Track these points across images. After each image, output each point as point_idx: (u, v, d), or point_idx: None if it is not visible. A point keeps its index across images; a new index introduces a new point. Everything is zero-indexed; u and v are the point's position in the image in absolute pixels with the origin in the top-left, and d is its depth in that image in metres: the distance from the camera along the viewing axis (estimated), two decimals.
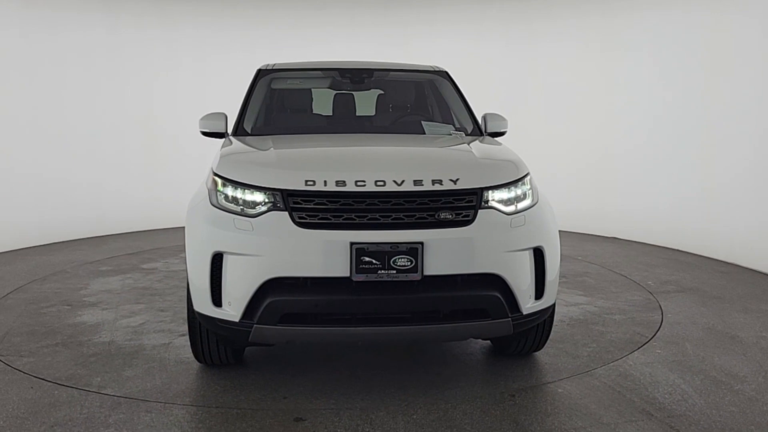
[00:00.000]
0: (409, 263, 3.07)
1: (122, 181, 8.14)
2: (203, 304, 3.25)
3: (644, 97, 7.59)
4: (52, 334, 4.47)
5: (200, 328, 3.52)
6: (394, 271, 3.06)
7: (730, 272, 6.21)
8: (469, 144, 3.95)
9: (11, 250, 7.07)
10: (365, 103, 4.89)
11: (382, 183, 3.18)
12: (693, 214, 7.06)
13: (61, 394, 3.45)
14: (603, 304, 5.06)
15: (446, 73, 4.88)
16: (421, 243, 3.08)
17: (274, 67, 4.87)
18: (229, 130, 4.33)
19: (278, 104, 4.79)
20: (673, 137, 7.30)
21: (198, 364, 3.84)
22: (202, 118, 4.35)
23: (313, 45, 8.48)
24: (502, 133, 4.52)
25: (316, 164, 3.52)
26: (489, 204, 3.28)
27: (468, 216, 3.21)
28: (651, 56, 7.48)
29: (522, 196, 3.42)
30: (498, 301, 3.19)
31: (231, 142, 3.99)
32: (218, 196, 3.32)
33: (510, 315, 3.23)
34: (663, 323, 4.66)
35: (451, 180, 3.24)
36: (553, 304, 3.55)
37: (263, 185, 3.22)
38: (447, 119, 4.62)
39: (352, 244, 3.05)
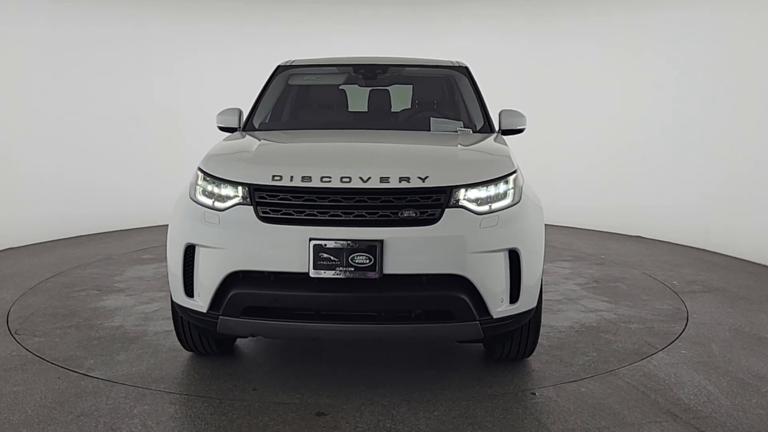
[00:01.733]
0: (367, 261, 3.04)
1: (145, 177, 8.22)
2: (177, 294, 3.35)
3: (669, 93, 7.48)
4: (71, 316, 4.68)
5: (181, 317, 3.58)
6: (352, 269, 3.04)
7: (757, 273, 6.11)
8: (465, 141, 3.84)
9: (51, 240, 7.21)
10: (381, 99, 4.88)
11: (347, 179, 3.16)
12: (719, 212, 6.95)
13: (87, 384, 3.51)
14: (625, 311, 4.82)
15: (465, 68, 4.82)
16: (381, 241, 3.05)
17: (293, 63, 4.95)
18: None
19: (291, 100, 4.83)
20: (698, 134, 7.19)
21: (187, 352, 3.94)
22: (219, 114, 4.48)
23: (335, 40, 8.49)
24: (519, 131, 4.43)
25: (286, 160, 3.52)
26: (459, 203, 3.19)
27: (433, 215, 3.13)
28: (676, 52, 7.37)
29: (500, 196, 3.30)
30: (463, 303, 3.10)
31: (229, 138, 4.06)
32: (196, 190, 3.41)
33: (478, 318, 3.13)
34: (689, 324, 4.60)
35: (419, 178, 3.17)
36: (533, 309, 3.38)
37: (234, 179, 3.28)
38: (459, 115, 4.54)
39: (311, 239, 3.06)
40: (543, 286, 5.16)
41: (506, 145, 4.02)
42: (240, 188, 3.24)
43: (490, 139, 4.04)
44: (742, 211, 6.69)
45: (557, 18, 8.46)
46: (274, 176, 3.21)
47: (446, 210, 3.15)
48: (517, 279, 3.22)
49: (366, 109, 4.75)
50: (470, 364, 3.84)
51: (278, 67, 4.91)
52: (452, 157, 3.57)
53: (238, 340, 4.10)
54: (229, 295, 3.14)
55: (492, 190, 3.29)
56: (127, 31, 8.00)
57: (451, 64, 4.88)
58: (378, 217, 3.12)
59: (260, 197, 3.20)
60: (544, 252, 3.51)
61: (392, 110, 4.75)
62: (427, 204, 3.15)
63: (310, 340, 3.86)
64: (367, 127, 4.44)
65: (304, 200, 3.16)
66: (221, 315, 3.17)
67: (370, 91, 4.83)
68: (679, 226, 7.40)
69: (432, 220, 3.13)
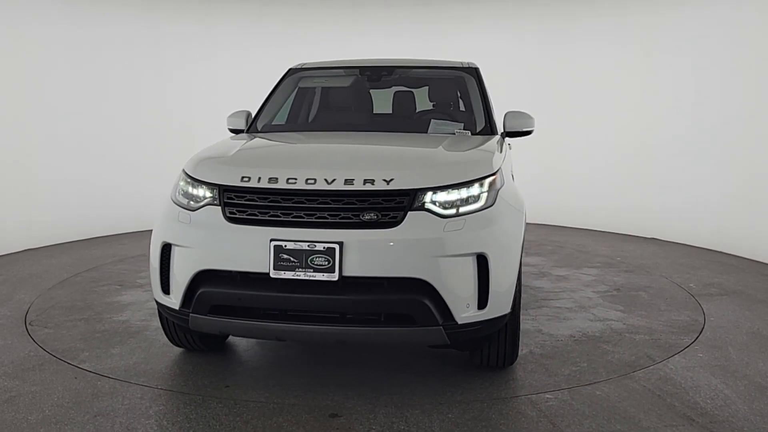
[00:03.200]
0: (326, 263, 3.05)
1: (159, 179, 8.26)
2: (156, 291, 3.45)
3: (685, 94, 7.43)
4: (86, 309, 4.85)
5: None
6: (311, 270, 3.05)
7: None
8: (452, 144, 3.81)
9: (68, 242, 7.29)
10: (384, 101, 4.90)
11: (312, 181, 3.18)
12: (736, 214, 6.88)
13: (104, 385, 3.54)
14: (636, 321, 4.63)
15: (474, 69, 4.78)
16: (340, 243, 3.04)
17: (303, 66, 5.02)
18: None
19: (296, 103, 4.88)
20: (714, 135, 7.12)
21: (177, 348, 4.03)
22: (229, 116, 4.62)
23: (350, 42, 8.51)
24: (526, 132, 4.38)
25: (257, 162, 3.55)
26: (425, 206, 3.15)
27: (395, 217, 3.10)
28: (692, 51, 7.31)
29: (472, 199, 3.24)
30: (424, 307, 3.05)
31: (226, 140, 4.14)
32: (178, 191, 3.50)
33: (441, 323, 3.08)
34: (705, 327, 4.56)
35: (384, 180, 3.15)
36: (506, 315, 3.29)
37: (207, 180, 3.36)
38: (461, 117, 4.50)
39: (271, 240, 3.09)
40: (557, 293, 5.25)
41: (501, 147, 3.98)
42: (212, 189, 3.33)
43: (484, 141, 3.96)
44: (759, 212, 6.62)
45: (572, 18, 8.41)
46: (242, 177, 3.27)
47: (409, 213, 3.12)
48: (485, 284, 3.15)
49: (368, 111, 4.78)
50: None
51: (289, 69, 5.01)
52: (425, 159, 3.55)
53: (241, 340, 4.15)
54: (198, 293, 3.22)
55: (463, 193, 3.23)
56: (142, 32, 8.07)
57: (460, 66, 4.85)
58: (339, 219, 3.12)
59: (228, 198, 3.27)
60: (521, 257, 3.41)
61: (393, 112, 4.76)
62: (389, 207, 3.13)
63: (275, 339, 3.85)
64: (365, 129, 4.44)
65: (269, 201, 3.20)
66: (191, 312, 3.26)
67: (376, 93, 4.86)
68: (695, 228, 7.33)
69: (393, 222, 3.10)
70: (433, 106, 4.84)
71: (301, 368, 3.79)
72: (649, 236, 7.78)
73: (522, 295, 5.17)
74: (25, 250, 6.89)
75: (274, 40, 8.72)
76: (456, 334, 3.16)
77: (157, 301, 3.50)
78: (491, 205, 3.28)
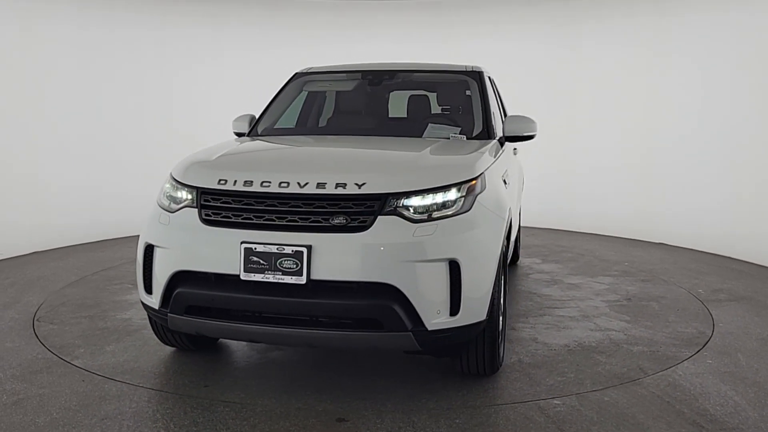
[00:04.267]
0: (294, 266, 3.07)
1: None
2: (140, 290, 3.54)
3: (694, 97, 7.39)
4: (93, 307, 4.95)
5: None
6: (280, 273, 3.08)
7: None
8: (440, 149, 3.80)
9: (76, 244, 7.31)
10: (383, 105, 4.91)
11: (285, 184, 3.20)
12: (745, 219, 6.84)
13: (111, 388, 3.54)
14: (638, 332, 4.49)
15: (477, 73, 4.74)
16: (309, 246, 3.06)
17: (309, 70, 5.07)
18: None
19: (298, 107, 4.92)
20: (722, 140, 7.09)
21: (168, 348, 4.10)
22: (234, 120, 4.70)
23: (357, 46, 8.52)
24: (527, 137, 4.35)
25: (236, 165, 3.59)
26: (396, 210, 3.13)
27: (365, 222, 3.10)
28: (701, 55, 7.28)
29: (448, 204, 3.22)
30: (392, 312, 3.03)
31: (218, 144, 4.20)
32: (163, 193, 3.58)
33: (411, 329, 3.06)
34: (714, 333, 4.53)
35: (356, 184, 3.15)
36: (481, 322, 3.26)
37: (187, 183, 3.43)
38: (459, 122, 4.47)
39: (242, 243, 3.13)
40: (564, 302, 5.19)
41: (495, 152, 3.96)
42: (191, 192, 3.39)
43: (475, 146, 3.93)
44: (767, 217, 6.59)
45: (580, 21, 8.40)
46: (219, 180, 3.33)
47: (379, 217, 3.11)
48: (457, 291, 3.11)
49: (368, 116, 4.80)
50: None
51: (295, 74, 5.06)
52: (403, 164, 3.55)
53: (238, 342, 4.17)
54: (174, 293, 3.29)
55: (438, 198, 3.21)
56: (150, 36, 8.10)
57: (464, 69, 4.82)
58: (309, 222, 3.14)
59: (205, 200, 3.33)
60: (498, 264, 3.37)
61: (390, 116, 4.78)
62: (359, 211, 3.13)
63: (249, 341, 3.86)
64: (362, 133, 4.45)
65: (243, 204, 3.24)
66: (169, 312, 3.33)
67: (377, 97, 4.87)
68: (703, 233, 7.29)
69: (363, 227, 3.09)
70: (442, 109, 4.84)
71: (307, 373, 3.78)
72: (657, 241, 7.74)
73: (527, 302, 5.19)
74: (32, 253, 6.91)
75: (282, 45, 8.74)
76: (427, 341, 3.13)
77: (141, 301, 3.58)
78: (467, 211, 3.25)
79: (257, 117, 4.75)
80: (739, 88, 6.91)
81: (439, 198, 3.22)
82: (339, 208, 3.14)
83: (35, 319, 4.73)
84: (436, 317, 3.10)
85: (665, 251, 7.30)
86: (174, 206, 3.43)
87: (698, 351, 4.17)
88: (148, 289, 3.46)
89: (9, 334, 4.39)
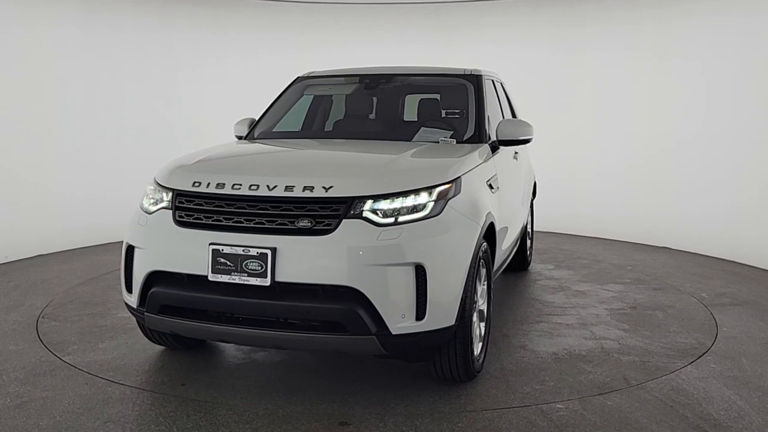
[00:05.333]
0: (259, 268, 3.10)
1: None
2: (123, 289, 3.63)
3: (698, 101, 7.38)
4: (98, 305, 5.04)
5: None
6: (246, 275, 3.12)
7: None
8: (421, 152, 3.80)
9: (80, 248, 7.33)
10: (383, 108, 4.93)
11: (255, 187, 3.25)
12: (749, 223, 6.82)
13: (114, 391, 3.55)
14: (634, 342, 4.35)
15: (475, 77, 4.71)
16: (274, 249, 3.09)
17: (310, 75, 5.12)
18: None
19: (295, 110, 4.96)
20: (726, 144, 7.07)
21: (157, 347, 4.16)
22: (235, 124, 4.80)
23: (361, 50, 8.54)
24: (522, 141, 4.31)
25: (212, 168, 3.63)
26: (362, 214, 3.13)
27: (329, 225, 3.12)
28: (706, 58, 7.27)
29: (416, 209, 3.21)
30: (355, 316, 3.04)
31: (206, 147, 4.28)
32: (145, 196, 3.66)
33: (374, 333, 3.06)
34: (718, 337, 4.51)
35: (323, 187, 3.17)
36: (450, 327, 3.23)
37: (165, 185, 3.52)
38: (454, 125, 4.46)
39: (210, 244, 3.18)
40: (566, 309, 5.11)
41: (483, 156, 3.95)
42: (168, 194, 3.47)
43: (460, 150, 3.92)
44: None
45: (584, 25, 8.40)
46: (194, 183, 3.41)
47: (344, 221, 3.11)
48: (423, 295, 3.11)
49: (362, 119, 4.84)
50: (493, 377, 3.81)
51: (297, 78, 5.12)
52: (373, 168, 3.55)
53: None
54: (149, 293, 3.37)
55: (408, 202, 3.21)
56: (156, 38, 8.12)
57: (462, 73, 4.80)
58: (276, 225, 3.17)
59: (180, 202, 3.40)
60: (470, 269, 3.33)
61: (384, 120, 4.79)
62: (325, 214, 3.14)
63: (219, 341, 3.88)
64: (353, 137, 4.50)
65: (214, 206, 3.30)
66: (145, 311, 3.41)
67: (373, 101, 4.90)
68: (707, 237, 7.27)
69: (327, 230, 3.11)
70: (446, 113, 4.83)
71: (308, 376, 3.78)
72: (661, 245, 7.72)
73: (527, 308, 5.12)
74: (36, 256, 6.93)
75: (286, 49, 8.76)
76: (392, 345, 3.13)
77: (124, 300, 3.66)
78: (436, 215, 3.23)
79: (256, 120, 4.83)
80: (744, 91, 6.89)
81: (409, 202, 3.22)
82: (305, 211, 3.16)
83: (41, 315, 4.82)
84: (400, 321, 3.09)
85: (669, 255, 7.28)
86: (152, 208, 3.52)
87: (691, 362, 4.15)
88: (129, 289, 3.54)
89: (13, 336, 4.40)
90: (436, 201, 3.27)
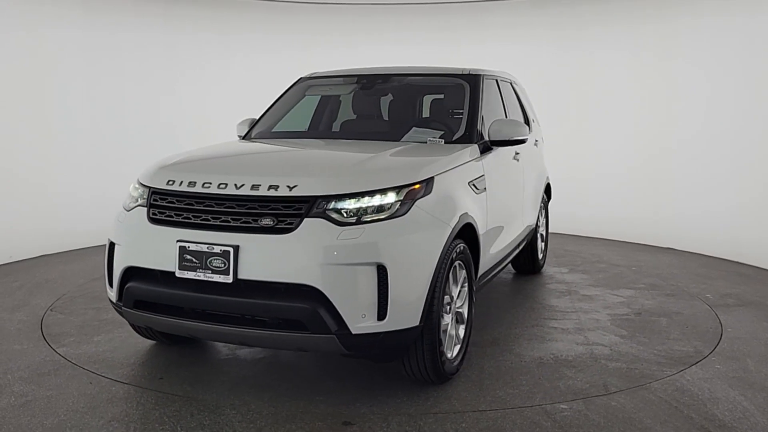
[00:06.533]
0: (222, 265, 3.14)
1: None
2: (106, 284, 3.70)
3: (700, 101, 7.36)
4: (104, 300, 5.03)
5: None
6: (210, 272, 3.17)
7: None
8: (401, 152, 3.80)
9: (83, 248, 7.35)
10: (379, 108, 4.95)
11: (223, 186, 3.30)
12: (753, 224, 6.80)
13: (119, 390, 3.55)
14: (627, 348, 4.23)
15: (473, 76, 4.67)
16: (237, 246, 3.13)
17: (313, 75, 5.16)
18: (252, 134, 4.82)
19: (293, 111, 4.99)
20: (729, 144, 7.06)
21: (147, 342, 4.24)
22: (238, 123, 4.89)
23: (364, 50, 8.53)
24: (515, 141, 4.28)
25: (188, 166, 3.68)
26: (324, 213, 3.14)
27: (291, 224, 3.13)
28: (708, 59, 7.25)
29: (383, 208, 3.20)
30: (314, 314, 3.05)
31: (203, 147, 4.36)
32: (128, 195, 3.72)
33: (334, 332, 3.06)
34: (723, 338, 4.50)
35: (288, 186, 3.19)
36: (414, 328, 3.22)
37: (143, 183, 3.60)
38: (445, 125, 4.44)
39: (178, 241, 3.24)
40: (566, 314, 4.99)
41: (468, 156, 3.92)
42: (145, 191, 3.55)
43: (443, 150, 3.90)
44: None
45: (586, 26, 8.39)
46: (168, 181, 3.47)
47: (306, 219, 3.13)
48: (385, 295, 3.10)
49: (355, 119, 4.87)
50: (498, 377, 3.80)
51: (299, 78, 5.18)
52: (341, 167, 3.56)
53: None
54: (125, 288, 3.46)
55: (375, 201, 3.21)
56: (158, 39, 8.14)
57: (460, 73, 4.76)
58: (240, 223, 3.21)
59: (154, 200, 3.48)
60: (437, 270, 3.30)
61: (376, 119, 4.82)
62: (288, 213, 3.16)
63: (189, 336, 3.89)
64: (342, 137, 4.59)
65: (184, 204, 3.37)
66: (123, 306, 3.50)
67: (369, 101, 4.92)
68: (711, 238, 7.25)
69: (289, 229, 3.13)
70: (453, 113, 4.81)
71: (311, 375, 3.78)
72: (665, 246, 7.71)
73: (527, 312, 5.01)
74: (40, 256, 6.95)
75: (288, 49, 8.76)
76: (352, 344, 3.13)
77: (107, 295, 3.74)
78: (402, 215, 3.22)
79: (255, 121, 4.90)
80: (745, 91, 6.87)
81: (375, 201, 3.21)
82: (269, 209, 3.19)
83: (49, 308, 4.97)
84: (361, 321, 3.09)
85: (674, 256, 7.26)
86: (131, 206, 3.60)
87: (680, 371, 4.14)
88: (111, 283, 3.62)
89: (17, 336, 4.41)
90: (402, 201, 3.26)
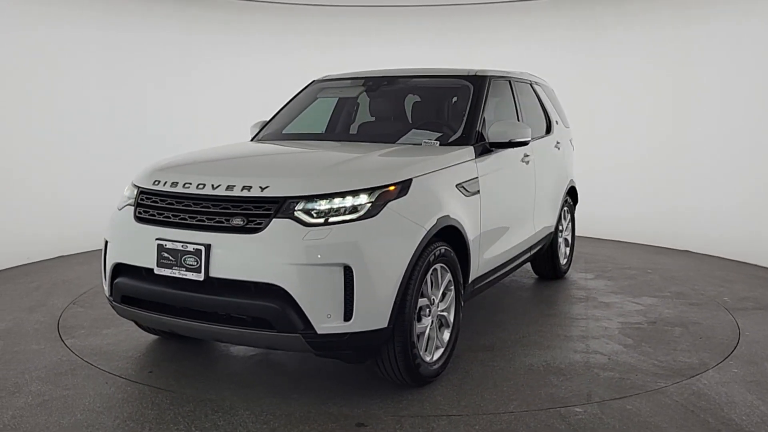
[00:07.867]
0: (195, 263, 3.25)
1: None
2: (102, 279, 3.80)
3: (716, 104, 7.29)
4: None
5: None
6: (184, 269, 3.27)
7: None
8: (392, 153, 3.85)
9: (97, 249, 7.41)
10: (381, 110, 4.96)
11: (202, 186, 3.40)
12: None
13: (134, 390, 3.58)
14: (625, 358, 4.07)
15: (480, 78, 4.61)
16: (208, 245, 3.22)
17: (325, 78, 5.21)
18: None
19: (302, 113, 5.04)
20: (747, 147, 6.98)
21: (151, 336, 4.37)
22: (252, 125, 5.02)
23: (376, 52, 8.54)
24: (517, 143, 4.23)
25: (176, 167, 3.76)
26: (292, 214, 3.17)
27: (260, 224, 3.19)
28: (725, 63, 7.18)
29: (356, 209, 3.21)
30: (281, 313, 3.09)
31: (204, 149, 4.47)
32: (123, 195, 3.82)
33: (300, 331, 3.10)
34: (740, 341, 4.45)
35: (260, 187, 3.26)
36: (381, 330, 3.21)
37: (134, 183, 3.73)
38: (445, 126, 4.42)
39: (157, 239, 3.36)
40: (576, 321, 4.86)
41: (452, 159, 3.89)
42: (134, 191, 3.68)
43: (431, 152, 3.88)
44: None
45: (602, 29, 8.34)
46: (154, 181, 3.60)
47: (274, 220, 3.18)
48: (351, 296, 3.12)
49: (357, 121, 4.93)
50: (510, 379, 3.79)
51: (312, 81, 5.25)
52: (315, 168, 3.61)
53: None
54: (114, 283, 3.61)
55: (346, 203, 3.22)
56: (172, 39, 8.20)
57: (466, 74, 4.71)
58: (213, 222, 3.29)
59: (141, 199, 3.61)
60: (405, 272, 3.27)
61: (376, 121, 4.83)
62: (257, 213, 3.23)
63: (170, 332, 3.94)
64: (343, 139, 4.72)
65: (165, 203, 3.48)
66: (112, 300, 3.66)
67: (373, 103, 4.96)
68: (729, 240, 7.17)
69: (257, 228, 3.19)
70: (454, 114, 4.80)
71: (325, 377, 3.79)
72: (682, 248, 7.63)
73: (533, 319, 4.89)
74: (57, 257, 7.02)
75: (301, 50, 8.79)
76: (318, 344, 3.18)
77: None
78: (371, 217, 3.22)
79: (266, 123, 5.01)
80: (761, 94, 6.78)
81: (347, 202, 3.23)
82: (241, 209, 3.26)
83: (72, 303, 5.15)
84: (326, 321, 3.12)
85: (691, 259, 7.19)
86: (122, 204, 3.73)
87: (676, 382, 4.09)
88: (105, 279, 3.74)
89: (35, 336, 4.47)
90: (374, 203, 3.26)
